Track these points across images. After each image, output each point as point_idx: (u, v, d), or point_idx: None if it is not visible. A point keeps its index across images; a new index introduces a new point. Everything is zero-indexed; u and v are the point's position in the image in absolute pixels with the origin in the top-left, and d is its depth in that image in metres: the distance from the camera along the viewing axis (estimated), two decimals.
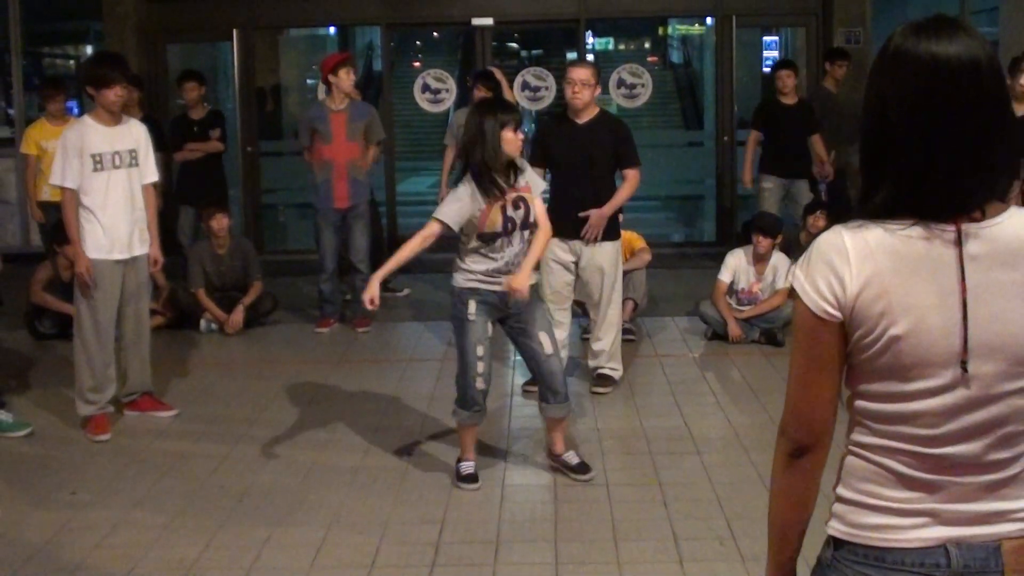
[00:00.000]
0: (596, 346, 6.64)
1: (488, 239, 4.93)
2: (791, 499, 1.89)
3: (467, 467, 5.18)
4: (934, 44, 1.71)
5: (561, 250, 6.33)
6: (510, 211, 4.93)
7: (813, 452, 1.84)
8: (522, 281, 4.91)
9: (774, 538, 1.94)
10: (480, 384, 5.02)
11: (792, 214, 9.15)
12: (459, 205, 4.88)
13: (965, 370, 1.72)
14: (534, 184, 5.11)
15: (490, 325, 5.02)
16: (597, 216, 6.29)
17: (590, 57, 13.96)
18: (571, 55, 12.52)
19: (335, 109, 8.09)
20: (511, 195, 4.94)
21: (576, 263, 6.41)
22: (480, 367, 4.99)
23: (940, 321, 1.72)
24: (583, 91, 6.21)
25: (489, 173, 4.88)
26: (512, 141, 4.92)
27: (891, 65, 1.75)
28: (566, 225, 6.16)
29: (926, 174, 1.72)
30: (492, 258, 4.96)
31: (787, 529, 1.91)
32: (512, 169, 4.98)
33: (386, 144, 9.72)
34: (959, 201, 1.72)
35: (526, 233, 5.00)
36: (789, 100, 9.35)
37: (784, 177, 9.32)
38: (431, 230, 4.90)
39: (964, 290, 1.71)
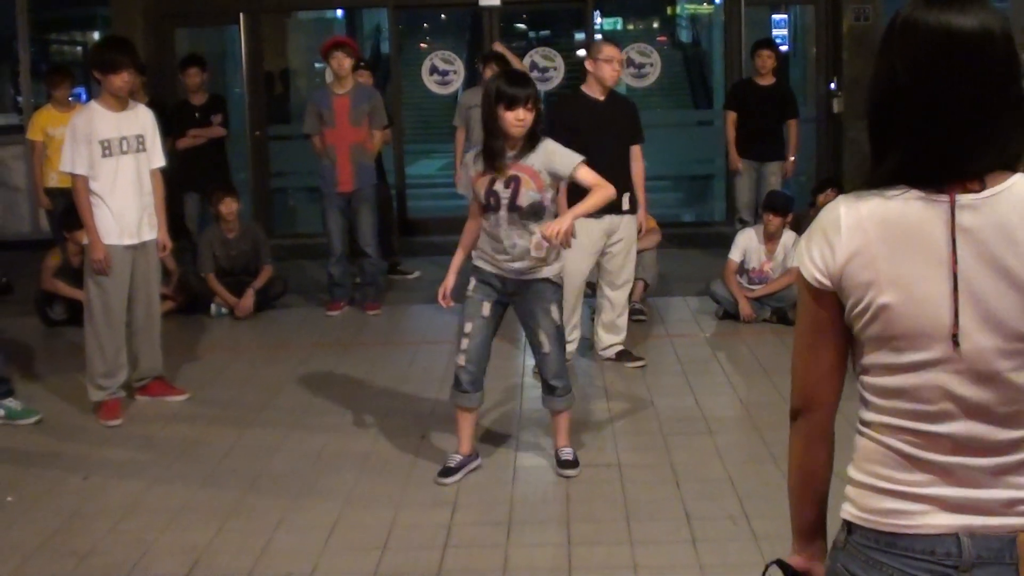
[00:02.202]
0: (620, 322, 6.74)
1: (483, 209, 4.84)
2: (794, 463, 1.92)
3: (450, 459, 5.01)
4: (943, 15, 1.70)
5: (585, 233, 6.04)
6: (496, 186, 4.73)
7: (807, 416, 1.87)
8: (554, 226, 4.61)
9: (791, 504, 1.96)
10: (461, 360, 4.90)
11: (762, 196, 8.81)
12: (464, 172, 4.97)
13: (957, 344, 1.69)
14: (559, 162, 4.73)
15: (487, 305, 4.89)
16: (642, 203, 6.70)
17: (598, 37, 13.89)
18: (579, 35, 12.44)
19: (338, 93, 8.08)
20: (508, 172, 4.72)
21: (607, 239, 6.49)
22: (464, 343, 4.90)
23: (929, 293, 1.70)
24: (621, 69, 6.51)
25: (486, 145, 4.80)
26: (508, 120, 4.64)
27: (900, 34, 1.74)
28: None
29: (924, 140, 1.71)
30: (491, 236, 4.83)
31: (799, 494, 1.94)
32: (529, 145, 4.74)
33: (395, 127, 9.68)
34: (954, 166, 1.70)
35: (515, 216, 4.73)
36: (765, 81, 9.15)
37: (755, 159, 9.15)
38: (471, 207, 4.98)
39: (955, 262, 1.68)
